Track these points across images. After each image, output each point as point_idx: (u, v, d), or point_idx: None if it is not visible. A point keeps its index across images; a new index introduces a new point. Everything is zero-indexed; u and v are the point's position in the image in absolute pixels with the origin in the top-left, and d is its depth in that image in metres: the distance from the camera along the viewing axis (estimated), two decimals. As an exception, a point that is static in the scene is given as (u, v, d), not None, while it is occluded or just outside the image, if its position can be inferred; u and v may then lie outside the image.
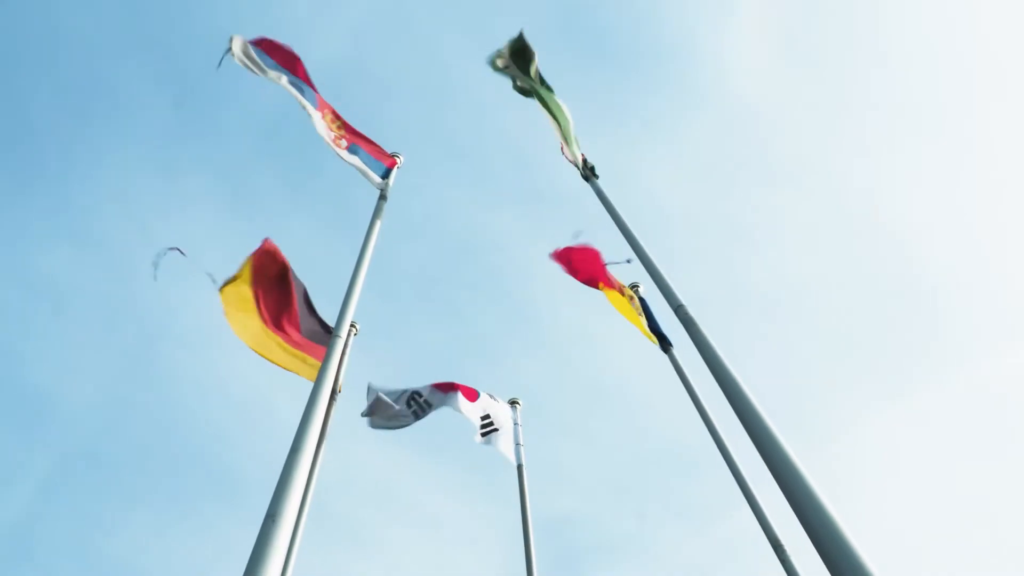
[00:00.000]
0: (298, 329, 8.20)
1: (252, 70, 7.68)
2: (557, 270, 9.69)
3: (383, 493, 23.97)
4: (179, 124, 30.54)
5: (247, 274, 7.85)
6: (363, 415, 10.26)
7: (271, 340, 7.90)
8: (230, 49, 7.37)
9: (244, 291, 7.82)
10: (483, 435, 10.70)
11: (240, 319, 7.75)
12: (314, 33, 28.72)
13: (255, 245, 8.22)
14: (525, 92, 8.99)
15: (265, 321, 7.88)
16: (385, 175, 8.67)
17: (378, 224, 7.67)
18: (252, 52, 7.75)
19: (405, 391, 10.59)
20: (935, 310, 32.26)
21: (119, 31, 28.74)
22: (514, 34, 8.88)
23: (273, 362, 7.86)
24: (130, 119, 29.37)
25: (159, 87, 29.87)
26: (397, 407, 10.36)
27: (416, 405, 10.47)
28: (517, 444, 10.78)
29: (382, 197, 8.24)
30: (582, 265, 9.60)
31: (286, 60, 8.04)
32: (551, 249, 9.70)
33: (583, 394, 28.49)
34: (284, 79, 7.92)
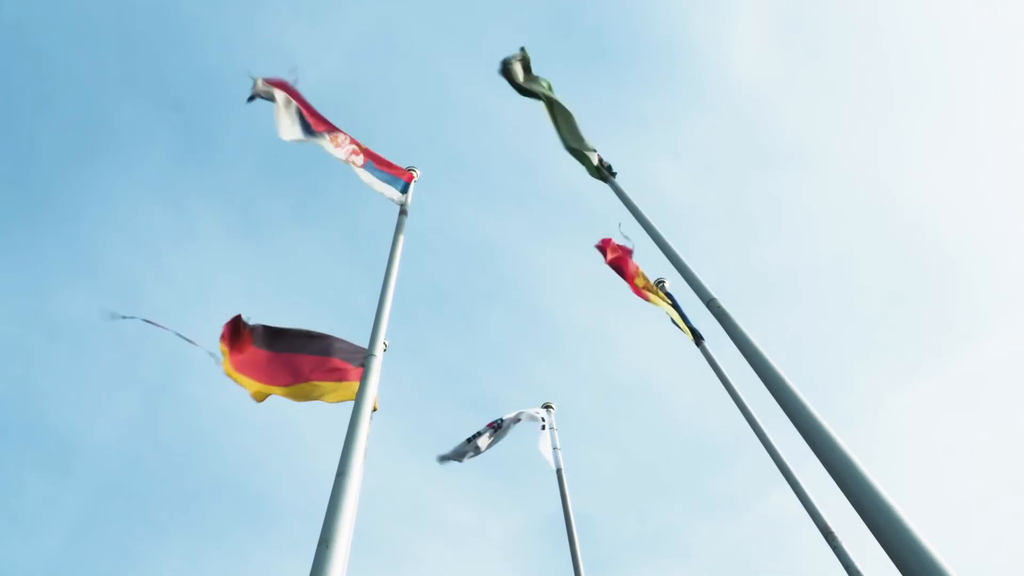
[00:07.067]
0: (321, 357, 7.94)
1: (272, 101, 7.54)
2: (597, 260, 9.77)
3: (412, 507, 24.00)
4: (183, 154, 30.82)
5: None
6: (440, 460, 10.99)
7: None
8: (255, 90, 7.25)
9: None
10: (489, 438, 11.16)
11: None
12: (309, 54, 28.86)
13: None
14: (534, 95, 8.77)
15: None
16: (404, 190, 8.61)
17: (401, 239, 7.60)
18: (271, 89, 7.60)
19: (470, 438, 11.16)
20: (952, 287, 31.82)
21: (117, 67, 29.07)
22: (516, 50, 8.68)
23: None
24: (133, 152, 29.66)
25: (159, 119, 30.16)
26: (462, 448, 11.02)
27: (474, 444, 11.04)
28: (554, 448, 10.73)
29: (403, 212, 8.13)
30: (621, 261, 9.69)
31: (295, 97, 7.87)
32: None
33: (604, 395, 28.41)
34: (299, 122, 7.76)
